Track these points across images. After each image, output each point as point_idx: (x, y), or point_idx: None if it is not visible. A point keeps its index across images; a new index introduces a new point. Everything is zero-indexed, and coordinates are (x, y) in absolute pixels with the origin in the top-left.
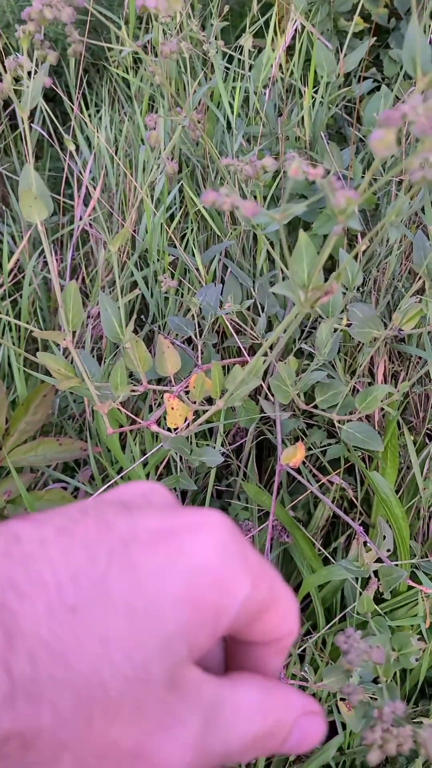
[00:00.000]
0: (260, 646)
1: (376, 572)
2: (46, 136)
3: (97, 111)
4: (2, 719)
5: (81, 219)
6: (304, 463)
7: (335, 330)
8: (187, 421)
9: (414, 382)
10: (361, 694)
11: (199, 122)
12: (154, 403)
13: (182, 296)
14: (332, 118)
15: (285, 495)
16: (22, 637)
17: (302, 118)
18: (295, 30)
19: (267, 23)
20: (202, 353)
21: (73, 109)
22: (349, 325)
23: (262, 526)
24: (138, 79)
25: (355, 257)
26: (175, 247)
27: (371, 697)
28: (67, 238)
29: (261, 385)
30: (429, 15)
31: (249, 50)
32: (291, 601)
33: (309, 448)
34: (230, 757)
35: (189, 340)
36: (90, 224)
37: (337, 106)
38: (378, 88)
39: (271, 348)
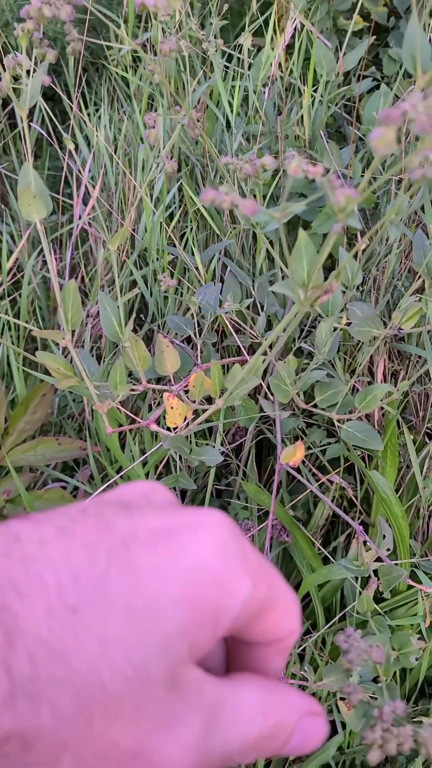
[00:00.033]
0: (261, 647)
1: (375, 571)
2: (45, 134)
3: (97, 110)
4: (2, 719)
5: (80, 218)
6: (303, 462)
7: (335, 329)
8: (187, 421)
9: (414, 381)
10: (361, 694)
11: (198, 121)
12: (154, 403)
13: (181, 295)
14: (332, 117)
15: (284, 494)
16: (22, 637)
17: (302, 116)
18: (295, 29)
19: (266, 22)
20: (201, 352)
21: (72, 108)
22: (348, 324)
23: (261, 526)
24: (137, 77)
25: (355, 256)
26: (174, 246)
27: (371, 697)
28: (67, 237)
29: (260, 384)
30: (429, 13)
31: (248, 49)
32: (292, 601)
33: (308, 447)
34: (231, 759)
35: (188, 339)
36: (89, 223)
37: (336, 104)
38: (377, 87)
39: (270, 347)
